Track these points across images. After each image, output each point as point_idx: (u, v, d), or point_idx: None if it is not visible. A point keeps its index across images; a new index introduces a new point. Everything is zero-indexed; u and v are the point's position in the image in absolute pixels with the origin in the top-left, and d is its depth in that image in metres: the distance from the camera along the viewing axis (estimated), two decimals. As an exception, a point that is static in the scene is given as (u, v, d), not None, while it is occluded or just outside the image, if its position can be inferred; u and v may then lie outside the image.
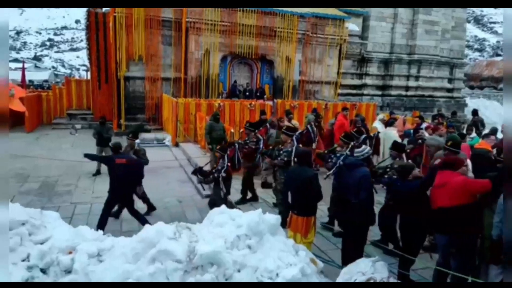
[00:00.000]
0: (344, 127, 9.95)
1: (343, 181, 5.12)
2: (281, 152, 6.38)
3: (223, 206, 4.79)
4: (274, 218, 4.39)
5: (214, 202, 6.15)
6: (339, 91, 19.92)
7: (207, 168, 6.84)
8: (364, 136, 7.62)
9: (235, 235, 4.10)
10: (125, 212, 7.44)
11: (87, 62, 28.16)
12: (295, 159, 5.45)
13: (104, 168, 10.13)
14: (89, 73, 21.12)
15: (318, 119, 10.82)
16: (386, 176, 5.34)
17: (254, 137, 7.10)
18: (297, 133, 6.78)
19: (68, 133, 15.26)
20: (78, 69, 60.09)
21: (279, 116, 13.46)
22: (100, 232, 4.62)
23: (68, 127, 16.33)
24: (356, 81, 21.97)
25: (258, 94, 17.71)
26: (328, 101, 16.55)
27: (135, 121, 16.38)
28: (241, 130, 10.52)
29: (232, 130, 10.49)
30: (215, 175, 6.28)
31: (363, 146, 5.30)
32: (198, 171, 6.56)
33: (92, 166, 10.13)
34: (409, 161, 6.12)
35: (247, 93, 17.46)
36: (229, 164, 6.37)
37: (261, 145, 6.66)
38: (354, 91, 21.61)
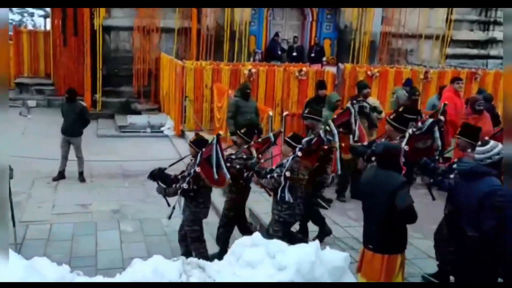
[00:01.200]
0: (454, 111, 9.75)
1: (455, 199, 5.02)
2: (273, 168, 6.37)
3: (256, 235, 4.85)
4: (339, 257, 4.44)
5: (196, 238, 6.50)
6: (449, 50, 19.48)
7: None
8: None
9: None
10: (105, 240, 7.68)
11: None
12: (374, 158, 5.38)
13: (71, 170, 10.58)
14: (48, 20, 21.83)
15: (413, 96, 10.65)
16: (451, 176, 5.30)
17: (245, 151, 6.99)
18: (308, 139, 6.61)
19: (17, 113, 15.91)
20: (32, 15, 62.13)
21: (347, 92, 13.39)
22: (66, 268, 4.80)
23: (17, 104, 17.03)
24: (479, 35, 21.40)
25: (312, 54, 17.67)
26: (430, 67, 16.23)
27: (118, 97, 16.81)
28: (285, 113, 10.55)
29: (270, 113, 10.49)
30: (178, 185, 6.28)
31: (491, 143, 5.15)
32: (157, 175, 6.55)
33: (52, 166, 10.51)
34: None
35: (295, 53, 17.47)
36: (198, 170, 6.19)
37: (255, 165, 6.50)
38: (474, 51, 21.08)
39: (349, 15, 17.78)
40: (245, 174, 6.54)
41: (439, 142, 6.38)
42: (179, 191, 6.34)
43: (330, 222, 7.82)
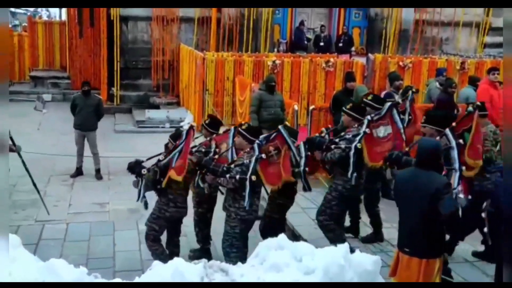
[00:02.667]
0: (492, 104, 9.60)
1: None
2: (233, 166, 6.27)
3: (282, 236, 4.83)
4: (369, 260, 4.42)
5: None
6: (487, 39, 19.21)
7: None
8: None
9: (304, 288, 4.19)
10: (123, 240, 7.74)
11: (61, -6, 29.32)
12: (412, 159, 5.31)
13: (87, 167, 10.71)
14: (64, 11, 22.05)
15: (449, 88, 10.49)
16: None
17: (205, 144, 6.96)
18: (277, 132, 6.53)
19: (32, 108, 16.11)
20: (46, 5, 62.92)
21: (377, 84, 13.31)
22: (83, 270, 4.83)
23: (32, 98, 17.27)
24: (519, 22, 21.03)
25: (340, 44, 17.59)
26: (467, 56, 16.03)
27: (135, 91, 16.93)
28: (312, 107, 10.51)
29: (296, 107, 10.47)
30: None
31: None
32: (133, 167, 6.65)
33: (68, 162, 10.63)
34: None
35: (322, 43, 17.42)
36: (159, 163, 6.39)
37: (210, 162, 6.45)
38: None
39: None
40: (198, 172, 6.57)
41: (400, 125, 6.55)
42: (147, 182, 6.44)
43: (360, 223, 7.76)
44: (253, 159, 6.12)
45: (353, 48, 17.73)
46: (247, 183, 6.03)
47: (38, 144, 11.56)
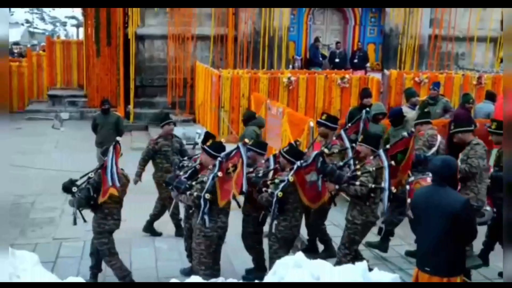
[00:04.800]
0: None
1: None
2: (196, 180, 6.32)
3: (299, 254, 4.83)
4: (388, 278, 4.41)
5: None
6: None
7: None
8: None
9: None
10: (140, 258, 7.77)
11: (78, 13, 29.86)
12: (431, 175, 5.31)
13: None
14: (81, 30, 22.34)
15: (466, 103, 10.47)
16: None
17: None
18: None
19: (50, 126, 16.29)
20: (64, 24, 63.78)
21: (393, 100, 13.25)
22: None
23: (50, 116, 17.47)
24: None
25: (355, 60, 17.59)
26: (484, 71, 15.93)
27: (152, 108, 17.04)
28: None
29: (312, 123, 10.46)
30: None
31: None
32: (68, 186, 6.77)
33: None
34: None
35: (337, 60, 17.46)
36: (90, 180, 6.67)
37: (173, 179, 6.58)
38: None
39: (394, 17, 17.65)
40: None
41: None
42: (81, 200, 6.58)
43: (376, 239, 7.72)
44: (211, 176, 6.16)
45: (368, 64, 17.73)
46: (202, 201, 6.09)
47: (56, 162, 11.67)
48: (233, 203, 7.18)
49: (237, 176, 6.35)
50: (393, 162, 6.17)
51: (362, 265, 4.42)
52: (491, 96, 11.15)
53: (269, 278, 4.59)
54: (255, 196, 6.66)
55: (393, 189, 6.17)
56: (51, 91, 19.72)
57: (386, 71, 14.80)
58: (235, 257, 7.69)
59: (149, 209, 9.77)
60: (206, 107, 15.03)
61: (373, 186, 6.06)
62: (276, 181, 6.44)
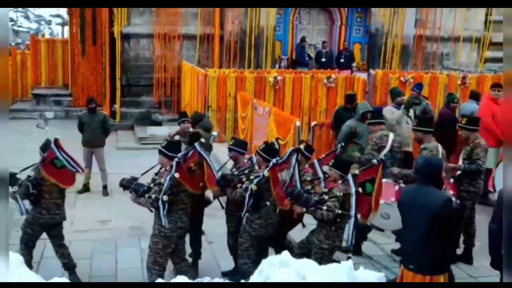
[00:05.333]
0: (493, 122, 9.69)
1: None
2: (151, 186, 6.30)
3: (285, 254, 4.83)
4: (373, 277, 4.41)
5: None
6: (488, 54, 19.27)
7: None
8: None
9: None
10: (125, 258, 7.72)
11: (63, 12, 29.61)
12: (413, 173, 5.33)
13: (96, 182, 10.73)
14: (66, 28, 22.20)
15: (451, 103, 10.53)
16: None
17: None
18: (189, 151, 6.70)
19: (34, 125, 16.14)
20: (49, 23, 63.35)
21: (378, 100, 13.31)
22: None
23: (34, 116, 17.27)
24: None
25: (341, 60, 17.63)
26: (468, 71, 16.04)
27: (138, 107, 16.99)
28: (314, 123, 10.51)
29: (298, 123, 10.47)
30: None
31: None
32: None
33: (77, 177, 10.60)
34: None
35: (324, 59, 17.48)
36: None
37: (131, 182, 6.54)
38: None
39: (380, 17, 17.72)
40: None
41: (292, 171, 6.33)
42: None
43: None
44: (168, 178, 6.15)
45: (354, 64, 17.78)
46: (160, 203, 6.09)
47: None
48: (216, 204, 7.20)
49: (207, 175, 6.47)
50: (360, 189, 6.03)
51: (347, 264, 4.43)
52: (475, 96, 11.21)
53: (255, 277, 4.58)
54: (228, 194, 6.65)
55: (359, 218, 6.06)
56: (36, 90, 19.57)
57: (371, 71, 14.82)
58: (221, 257, 7.68)
59: (134, 209, 9.74)
60: (193, 107, 14.99)
61: (339, 212, 5.88)
62: (251, 177, 6.44)
